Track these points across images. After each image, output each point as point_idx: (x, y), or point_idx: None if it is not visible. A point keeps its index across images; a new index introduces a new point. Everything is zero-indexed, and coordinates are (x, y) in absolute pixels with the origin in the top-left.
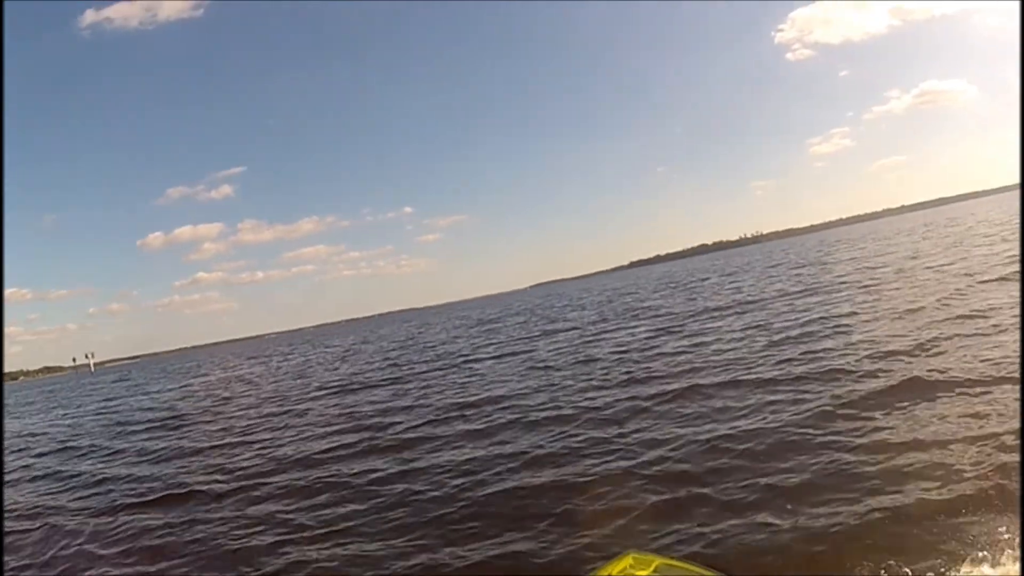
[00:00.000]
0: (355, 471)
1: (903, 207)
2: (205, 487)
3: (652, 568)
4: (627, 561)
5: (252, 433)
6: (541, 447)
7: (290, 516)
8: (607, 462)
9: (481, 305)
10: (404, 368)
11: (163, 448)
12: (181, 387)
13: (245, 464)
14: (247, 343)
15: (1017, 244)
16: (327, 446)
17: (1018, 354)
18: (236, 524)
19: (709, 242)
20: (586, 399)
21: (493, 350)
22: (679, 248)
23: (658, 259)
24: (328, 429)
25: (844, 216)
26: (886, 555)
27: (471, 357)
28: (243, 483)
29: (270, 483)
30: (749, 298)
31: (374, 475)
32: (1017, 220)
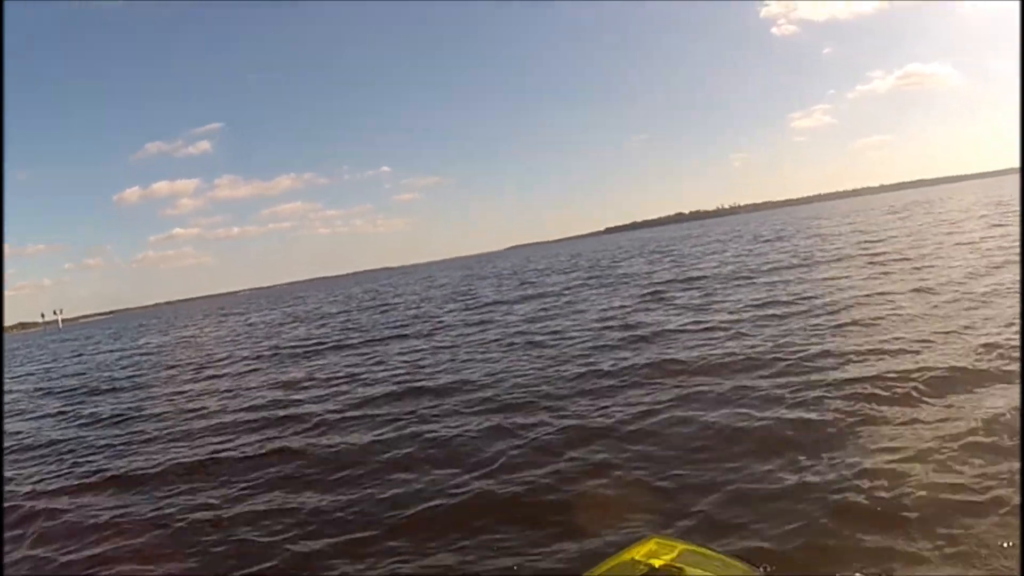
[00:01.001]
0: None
1: (882, 186)
2: None
3: (676, 553)
4: (650, 546)
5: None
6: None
7: None
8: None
9: (457, 266)
10: (360, 333)
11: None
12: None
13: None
14: (221, 299)
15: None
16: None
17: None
18: None
19: (686, 211)
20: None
21: (458, 317)
22: (656, 215)
23: (635, 225)
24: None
25: (822, 192)
26: None
27: (438, 323)
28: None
29: None
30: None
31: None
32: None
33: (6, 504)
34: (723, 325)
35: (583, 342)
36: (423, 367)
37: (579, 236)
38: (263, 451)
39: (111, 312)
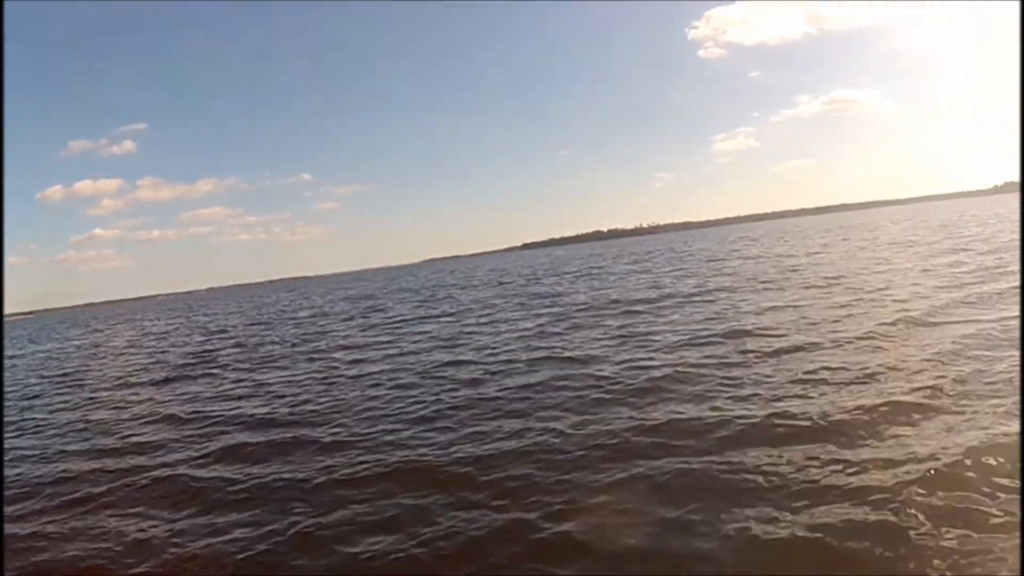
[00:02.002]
0: None
1: (804, 209)
2: None
3: None
4: None
5: None
6: None
7: None
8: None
9: (371, 277)
10: (251, 351)
11: None
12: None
13: None
14: (141, 303)
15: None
16: None
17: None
18: None
19: (604, 229)
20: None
21: (360, 338)
22: (573, 233)
23: (551, 242)
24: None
25: (742, 214)
26: None
27: (333, 342)
28: None
29: None
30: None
31: None
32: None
33: None
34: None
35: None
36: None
37: (496, 251)
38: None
39: (33, 312)
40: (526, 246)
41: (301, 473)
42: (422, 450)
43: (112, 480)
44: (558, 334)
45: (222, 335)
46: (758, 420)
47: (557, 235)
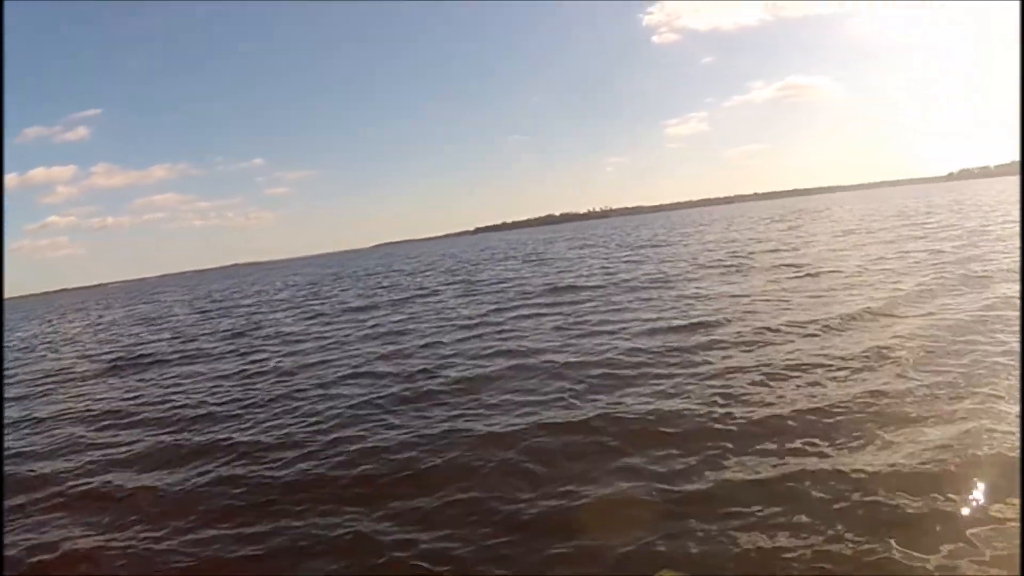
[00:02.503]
0: None
1: (756, 194)
2: None
3: None
4: None
5: None
6: None
7: None
8: None
9: (322, 262)
10: (184, 343)
11: None
12: None
13: None
14: (94, 291)
15: None
16: None
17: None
18: None
19: (557, 213)
20: None
21: (298, 328)
22: (526, 217)
23: (504, 226)
24: None
25: (694, 198)
26: None
27: (270, 333)
28: None
29: None
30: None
31: None
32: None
33: None
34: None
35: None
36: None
37: (449, 235)
38: None
39: None
40: (479, 230)
41: (200, 479)
42: (336, 458)
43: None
44: (501, 323)
45: (162, 326)
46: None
47: (510, 219)
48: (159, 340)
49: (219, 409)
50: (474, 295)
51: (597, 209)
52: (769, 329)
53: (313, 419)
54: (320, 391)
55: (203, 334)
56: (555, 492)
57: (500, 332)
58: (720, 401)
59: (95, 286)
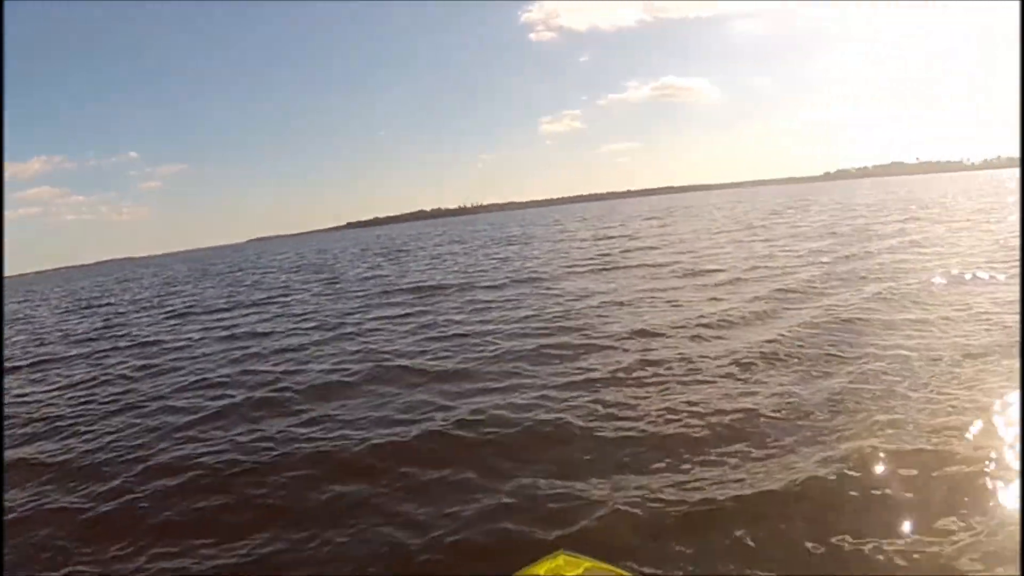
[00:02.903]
0: None
1: (629, 191)
2: None
3: (581, 570)
4: (557, 561)
5: None
6: None
7: None
8: None
9: (194, 258)
10: (35, 347)
11: None
12: None
13: None
14: None
15: None
16: None
17: None
18: None
19: (427, 208)
20: None
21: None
22: (396, 212)
23: (376, 222)
24: None
25: (567, 195)
26: None
27: (120, 337)
28: None
29: None
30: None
31: None
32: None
33: None
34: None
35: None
36: None
37: (321, 231)
38: None
39: None
40: (350, 225)
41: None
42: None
43: None
44: (360, 324)
45: (22, 327)
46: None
47: (382, 214)
48: (13, 343)
49: (44, 426)
50: (338, 294)
51: (468, 205)
52: (648, 331)
53: (141, 437)
54: (160, 403)
55: (60, 337)
56: (409, 519)
57: (360, 334)
58: (598, 410)
59: None
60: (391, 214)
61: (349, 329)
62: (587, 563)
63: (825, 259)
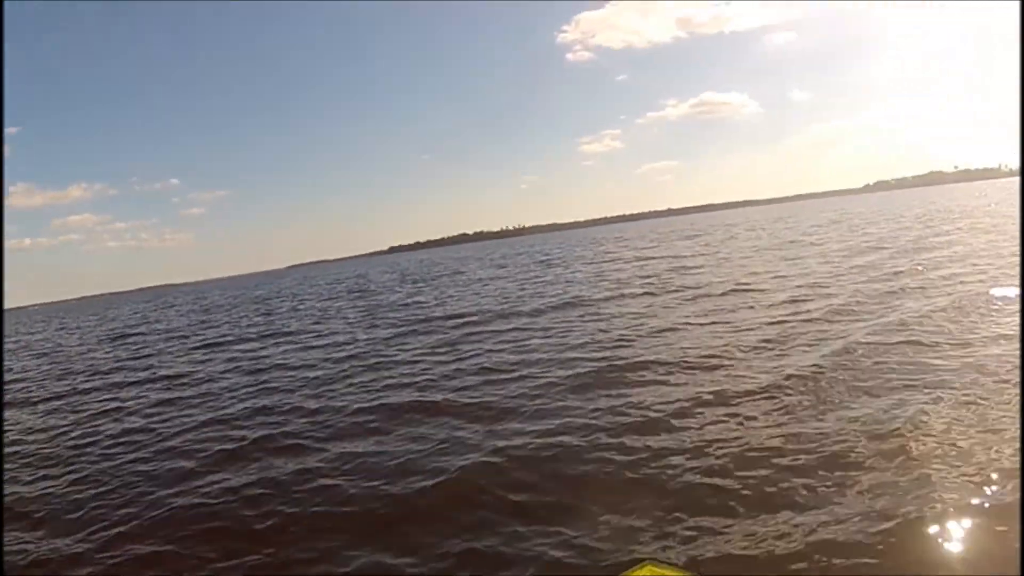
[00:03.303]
0: None
1: (670, 210)
2: None
3: None
4: (644, 571)
5: None
6: None
7: None
8: None
9: (231, 285)
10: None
11: None
12: None
13: None
14: (10, 315)
15: None
16: None
17: None
18: None
19: (470, 232)
20: None
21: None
22: (439, 236)
23: (418, 245)
24: None
25: (608, 215)
26: None
27: (144, 370)
28: None
29: None
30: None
31: None
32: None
33: None
34: None
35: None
36: None
37: (362, 255)
38: None
39: None
40: (392, 250)
41: None
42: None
43: None
44: (392, 355)
45: (54, 359)
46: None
47: (423, 238)
48: (34, 377)
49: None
50: (373, 322)
51: (511, 227)
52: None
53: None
54: (162, 444)
55: (86, 366)
56: None
57: (393, 365)
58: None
59: (13, 309)
60: (433, 238)
61: (380, 359)
62: (673, 573)
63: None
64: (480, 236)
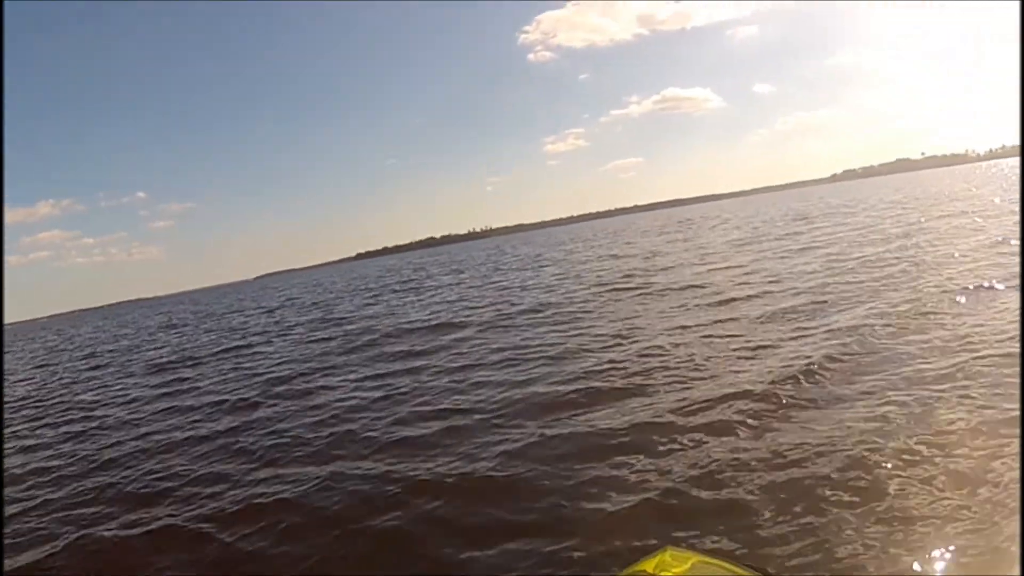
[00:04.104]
0: None
1: (636, 207)
2: None
3: (689, 565)
4: (664, 557)
5: None
6: None
7: None
8: None
9: (201, 298)
10: None
11: None
12: None
13: None
14: None
15: None
16: None
17: None
18: None
19: (437, 235)
20: None
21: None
22: (406, 240)
23: (385, 251)
24: None
25: (575, 214)
26: None
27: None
28: None
29: None
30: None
31: None
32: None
33: None
34: None
35: None
36: None
37: (329, 263)
38: None
39: None
40: (359, 256)
41: None
42: None
43: None
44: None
45: None
46: None
47: (391, 244)
48: None
49: None
50: (312, 339)
51: (478, 229)
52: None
53: None
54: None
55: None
56: None
57: (314, 392)
58: None
59: None
60: (400, 243)
61: (302, 386)
62: (695, 558)
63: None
64: (448, 239)
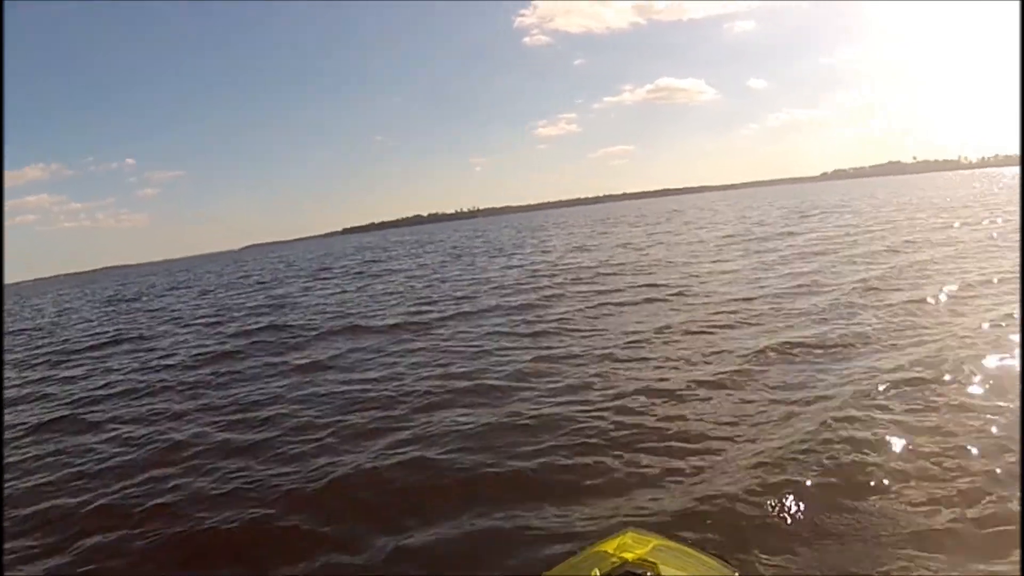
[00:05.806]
0: None
1: (625, 194)
2: None
3: (649, 547)
4: (625, 539)
5: None
6: None
7: None
8: None
9: (184, 266)
10: None
11: None
12: None
13: None
14: None
15: None
16: None
17: None
18: None
19: (424, 214)
20: None
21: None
22: (394, 217)
23: (372, 227)
24: None
25: (563, 198)
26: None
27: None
28: None
29: None
30: None
31: None
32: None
33: None
34: None
35: None
36: None
37: (317, 236)
38: None
39: None
40: (347, 231)
41: None
42: None
43: None
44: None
45: None
46: None
47: (378, 220)
48: None
49: None
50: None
51: (465, 209)
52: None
53: None
54: None
55: None
56: None
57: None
58: None
59: None
60: (388, 219)
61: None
62: (655, 541)
63: None
64: (435, 218)
